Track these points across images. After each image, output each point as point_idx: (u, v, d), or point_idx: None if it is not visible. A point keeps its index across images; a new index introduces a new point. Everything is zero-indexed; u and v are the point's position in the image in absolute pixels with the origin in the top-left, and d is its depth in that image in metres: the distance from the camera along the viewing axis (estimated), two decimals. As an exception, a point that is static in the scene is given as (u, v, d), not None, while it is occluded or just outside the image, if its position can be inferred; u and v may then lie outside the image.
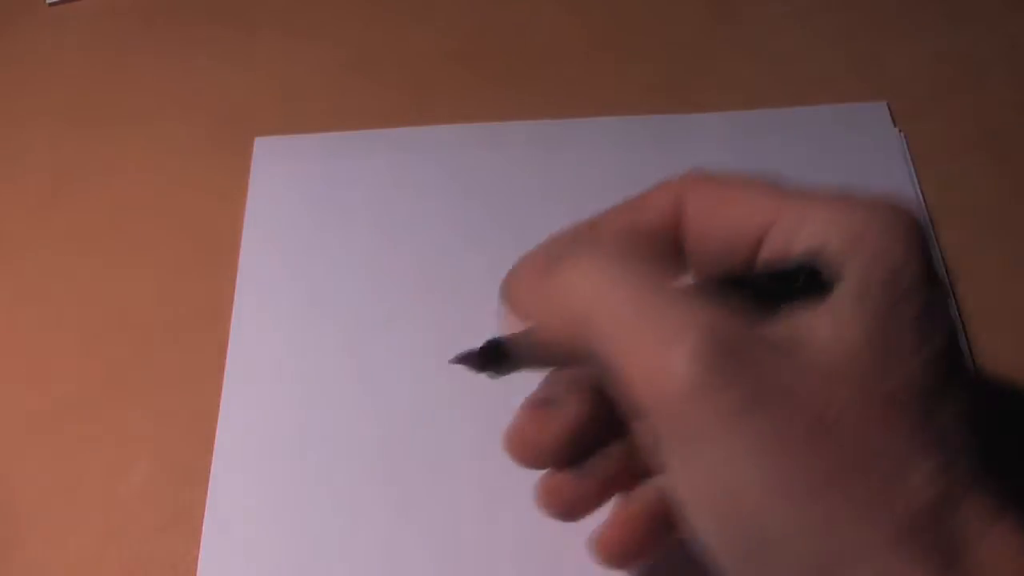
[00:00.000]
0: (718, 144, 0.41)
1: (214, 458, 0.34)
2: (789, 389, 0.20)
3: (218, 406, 0.35)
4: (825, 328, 0.21)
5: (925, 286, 0.22)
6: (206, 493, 0.34)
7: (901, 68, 0.44)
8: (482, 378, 0.36)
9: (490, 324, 0.36)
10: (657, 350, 0.21)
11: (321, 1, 0.48)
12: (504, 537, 0.33)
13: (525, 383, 0.36)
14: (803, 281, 0.22)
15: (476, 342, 0.37)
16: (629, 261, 0.23)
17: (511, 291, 0.27)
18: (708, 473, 0.21)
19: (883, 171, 0.40)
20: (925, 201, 0.39)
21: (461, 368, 0.37)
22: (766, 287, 0.23)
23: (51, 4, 0.48)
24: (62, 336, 0.38)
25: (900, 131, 0.41)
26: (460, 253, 0.39)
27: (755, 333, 0.21)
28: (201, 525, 0.33)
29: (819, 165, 0.40)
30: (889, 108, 0.42)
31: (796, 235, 0.23)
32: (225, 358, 0.36)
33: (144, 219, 0.41)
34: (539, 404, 0.26)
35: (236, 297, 0.38)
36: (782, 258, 0.24)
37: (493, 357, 0.27)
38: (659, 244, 0.26)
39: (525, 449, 0.26)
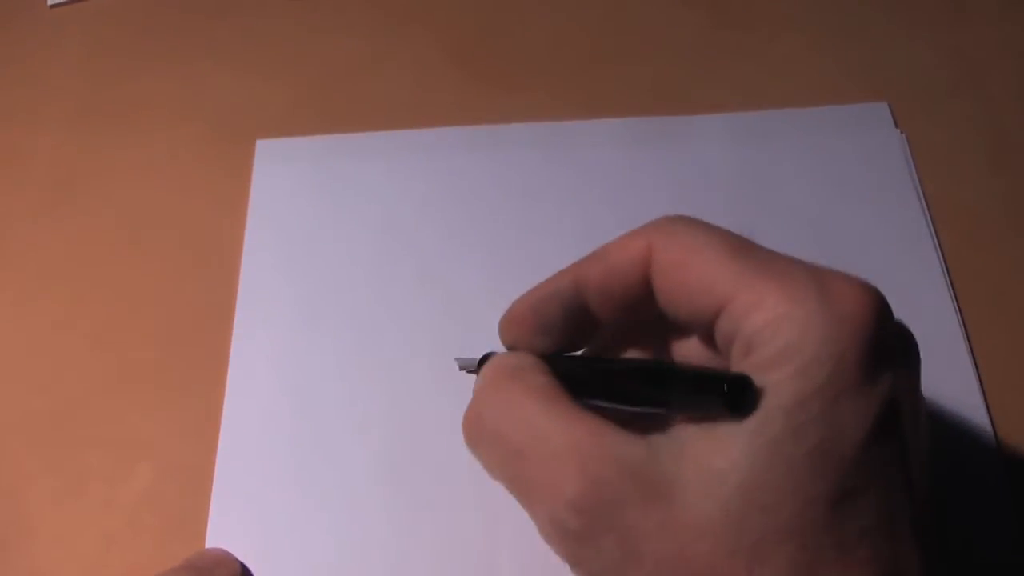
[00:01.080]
0: (719, 145, 0.41)
1: (217, 461, 0.34)
2: (654, 548, 0.21)
3: (221, 409, 0.35)
4: (708, 464, 0.21)
5: (852, 410, 0.21)
6: (209, 496, 0.34)
7: (902, 69, 0.44)
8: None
9: (489, 324, 0.36)
10: (543, 495, 0.23)
11: (322, 3, 0.47)
12: (505, 538, 0.33)
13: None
14: (722, 397, 0.21)
15: (476, 342, 0.38)
16: (527, 386, 0.24)
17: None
18: None
19: (884, 172, 0.40)
20: (926, 201, 0.39)
21: (464, 372, 0.37)
22: (686, 388, 0.23)
23: (52, 6, 0.48)
24: (65, 339, 0.38)
25: (901, 131, 0.41)
26: (461, 255, 0.39)
27: (636, 472, 0.22)
28: (205, 528, 0.33)
29: (820, 166, 0.41)
30: (890, 109, 0.42)
31: (743, 323, 0.23)
32: (228, 361, 0.37)
33: (146, 221, 0.41)
34: None
35: (238, 299, 0.38)
36: (712, 359, 0.25)
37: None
38: (603, 308, 0.26)
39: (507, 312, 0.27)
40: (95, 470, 0.35)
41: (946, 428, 0.34)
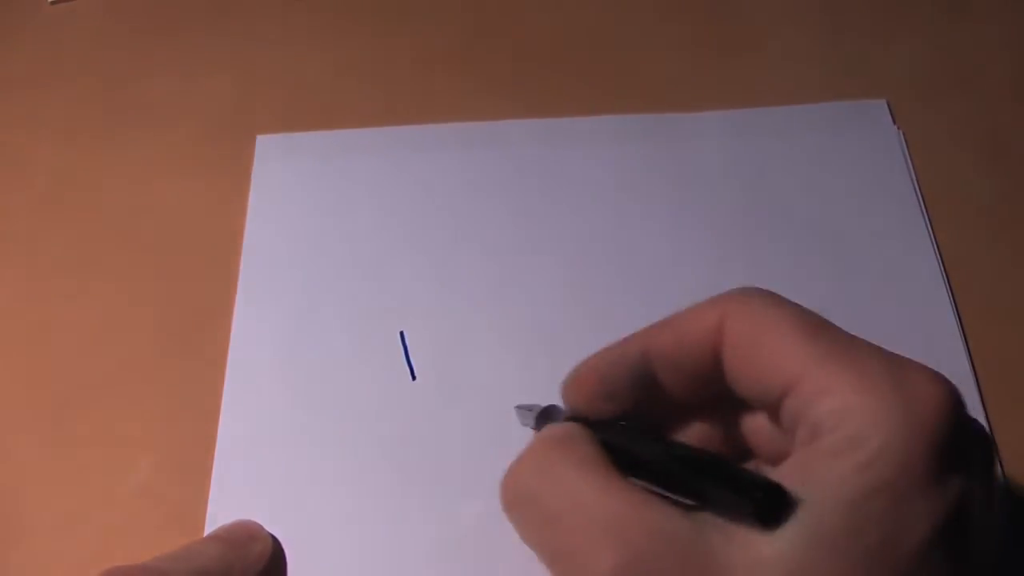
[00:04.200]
0: (717, 142, 0.41)
1: (215, 457, 0.35)
2: None
3: (219, 404, 0.36)
4: (756, 550, 0.20)
5: (916, 511, 0.20)
6: (207, 492, 0.34)
7: (900, 66, 0.44)
8: (483, 378, 0.36)
9: (489, 319, 0.36)
10: (579, 566, 0.22)
11: (322, 0, 0.48)
12: (506, 531, 0.33)
13: (525, 383, 0.36)
14: (757, 504, 0.20)
15: (477, 341, 0.38)
16: (570, 455, 0.24)
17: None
18: None
19: (882, 168, 0.40)
20: (923, 198, 0.40)
21: (463, 367, 0.37)
22: (719, 487, 0.22)
23: (52, 3, 0.48)
24: (65, 335, 0.38)
25: (899, 128, 0.42)
26: (461, 251, 0.39)
27: (679, 548, 0.21)
28: (203, 523, 0.33)
29: (819, 163, 0.41)
30: (888, 105, 0.42)
31: (811, 407, 0.22)
32: (226, 356, 0.37)
33: (146, 217, 0.41)
34: None
35: (238, 294, 0.38)
36: (777, 440, 0.24)
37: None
38: (674, 379, 0.25)
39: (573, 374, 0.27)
40: (94, 464, 0.35)
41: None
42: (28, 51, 0.47)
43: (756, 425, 0.26)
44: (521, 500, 0.24)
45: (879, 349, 0.23)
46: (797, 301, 0.24)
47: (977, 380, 0.35)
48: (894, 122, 0.42)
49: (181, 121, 0.44)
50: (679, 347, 0.25)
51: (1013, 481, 0.33)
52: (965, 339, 0.36)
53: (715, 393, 0.25)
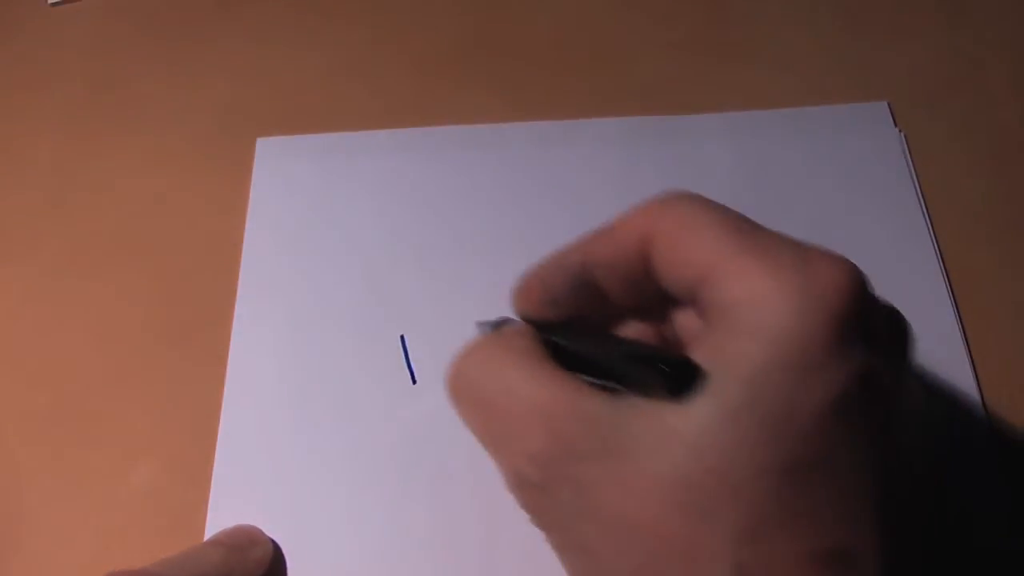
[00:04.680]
0: (719, 145, 0.41)
1: (216, 458, 0.35)
2: (607, 500, 0.22)
3: (220, 406, 0.36)
4: (664, 424, 0.22)
5: (814, 384, 0.21)
6: (208, 495, 0.34)
7: (901, 68, 0.44)
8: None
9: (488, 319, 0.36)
10: (509, 449, 0.24)
11: (322, 2, 0.47)
12: (505, 534, 0.33)
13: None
14: (666, 377, 0.22)
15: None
16: (508, 349, 0.26)
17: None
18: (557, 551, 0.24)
19: (883, 171, 0.40)
20: (925, 200, 0.40)
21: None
22: (633, 369, 0.24)
23: (53, 4, 0.48)
24: (65, 336, 0.38)
25: (900, 131, 0.41)
26: (461, 253, 0.39)
27: (597, 428, 0.23)
28: (203, 525, 0.33)
29: (820, 165, 0.41)
30: (890, 108, 0.42)
31: (722, 294, 0.23)
32: (227, 358, 0.37)
33: (146, 219, 0.41)
34: None
35: (238, 297, 0.38)
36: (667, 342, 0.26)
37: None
38: (603, 278, 0.27)
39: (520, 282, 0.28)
40: (94, 466, 0.35)
41: (942, 422, 0.34)
42: (28, 51, 0.47)
43: (688, 321, 0.27)
44: (462, 389, 0.26)
45: (792, 241, 0.24)
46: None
47: (977, 380, 0.35)
48: (895, 124, 0.42)
49: (181, 123, 0.44)
50: (614, 251, 0.26)
51: (1013, 481, 0.33)
52: (965, 339, 0.36)
53: (653, 293, 0.27)
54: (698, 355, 0.23)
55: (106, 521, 0.34)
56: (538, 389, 0.24)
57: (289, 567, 0.32)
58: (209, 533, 0.33)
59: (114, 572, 0.27)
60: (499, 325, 0.30)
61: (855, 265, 0.23)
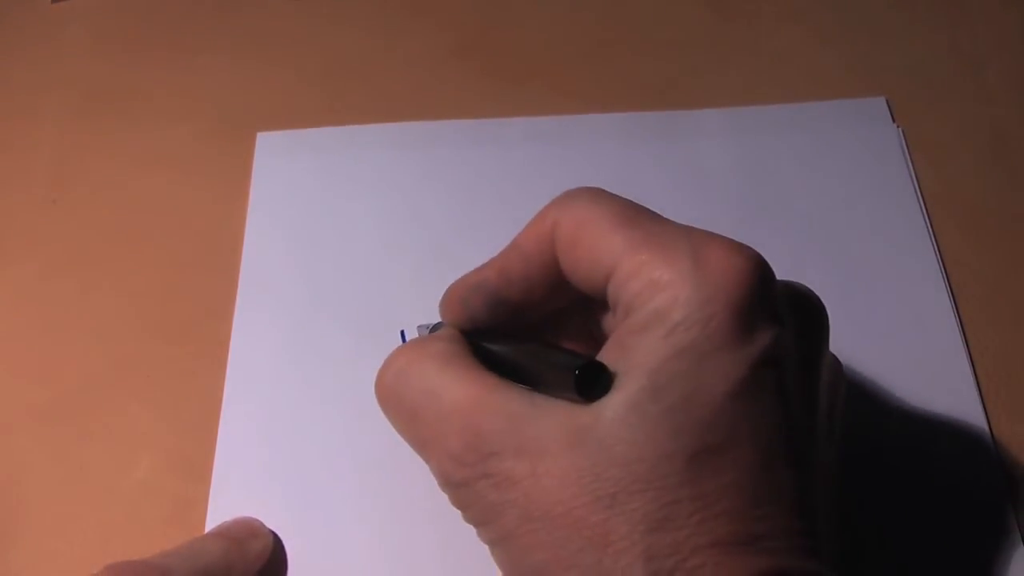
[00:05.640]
0: (718, 140, 0.41)
1: (216, 453, 0.35)
2: (523, 494, 0.23)
3: (220, 401, 0.36)
4: (575, 419, 0.23)
5: (716, 369, 0.22)
6: (209, 488, 0.34)
7: (900, 63, 0.44)
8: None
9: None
10: (434, 451, 0.25)
11: (322, -2, 0.48)
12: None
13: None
14: (576, 379, 0.23)
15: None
16: (428, 353, 0.26)
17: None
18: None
19: (881, 166, 0.40)
20: (923, 196, 0.40)
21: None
22: (547, 373, 0.25)
23: (54, 2, 0.48)
24: (66, 331, 0.38)
25: (898, 126, 0.42)
26: (462, 248, 0.39)
27: (514, 425, 0.23)
28: (204, 519, 0.33)
29: (818, 161, 0.41)
30: (888, 103, 0.42)
31: (623, 289, 0.24)
32: (227, 352, 0.37)
33: (147, 215, 0.41)
34: None
35: (239, 292, 0.38)
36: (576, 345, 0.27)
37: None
38: (513, 289, 0.27)
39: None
40: (95, 461, 0.35)
41: (941, 423, 0.34)
42: (29, 46, 0.47)
43: (607, 319, 0.27)
44: (387, 394, 0.27)
45: (689, 230, 0.24)
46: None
47: (977, 380, 0.35)
48: (893, 120, 0.42)
49: (181, 119, 0.44)
50: (525, 261, 0.27)
51: (1014, 481, 0.33)
52: (965, 339, 0.36)
53: (574, 297, 0.27)
54: (607, 353, 0.24)
55: (107, 514, 0.34)
56: (457, 389, 0.25)
57: (289, 559, 0.32)
58: (210, 526, 0.33)
59: (114, 564, 0.28)
60: (435, 328, 0.30)
61: (752, 250, 0.24)
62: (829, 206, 0.39)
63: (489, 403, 0.24)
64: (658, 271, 0.23)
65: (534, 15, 0.47)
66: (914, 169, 0.40)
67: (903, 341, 0.36)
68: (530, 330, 0.29)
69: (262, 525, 0.32)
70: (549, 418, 0.23)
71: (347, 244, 0.39)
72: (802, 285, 0.26)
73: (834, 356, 0.27)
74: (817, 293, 0.27)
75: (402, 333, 0.37)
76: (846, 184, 0.40)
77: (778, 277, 0.25)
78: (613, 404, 0.22)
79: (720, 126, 0.42)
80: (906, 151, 0.41)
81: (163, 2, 0.48)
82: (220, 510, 0.33)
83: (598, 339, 0.28)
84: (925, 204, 0.39)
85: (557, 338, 0.29)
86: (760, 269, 0.23)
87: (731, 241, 0.24)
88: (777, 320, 0.23)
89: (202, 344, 0.37)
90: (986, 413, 0.35)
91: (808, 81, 0.43)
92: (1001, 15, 0.45)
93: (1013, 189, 0.40)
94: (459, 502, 0.25)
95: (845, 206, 0.39)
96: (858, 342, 0.35)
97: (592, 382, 0.23)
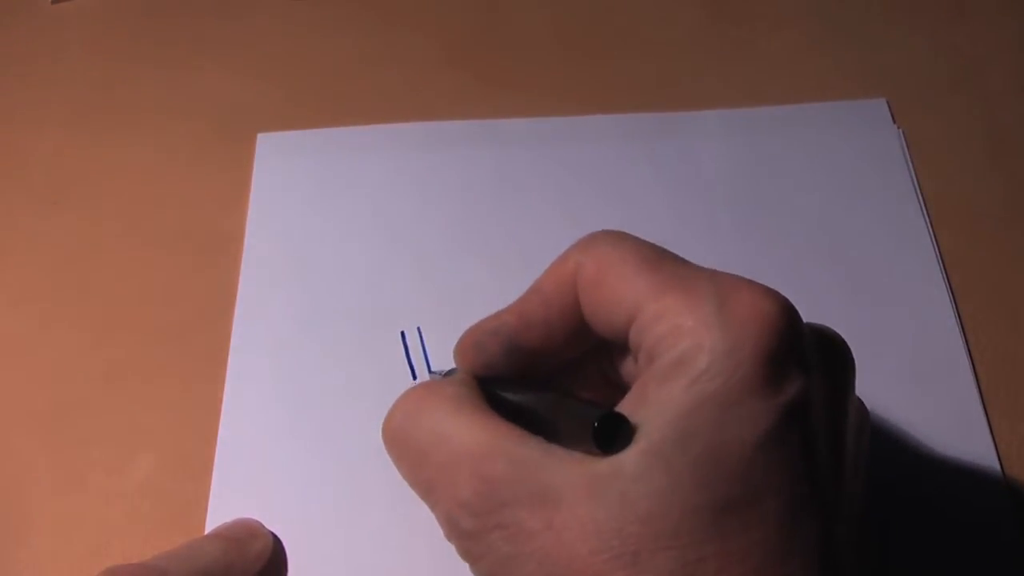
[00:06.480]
0: (717, 142, 0.41)
1: (217, 453, 0.35)
2: (539, 547, 0.21)
3: (221, 401, 0.36)
4: (595, 470, 0.21)
5: (743, 418, 0.21)
6: (208, 489, 0.34)
7: (900, 64, 0.44)
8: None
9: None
10: (441, 497, 0.24)
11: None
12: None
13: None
14: (595, 431, 0.22)
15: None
16: (440, 397, 0.25)
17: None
18: None
19: (882, 168, 0.40)
20: (923, 197, 0.40)
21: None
22: (566, 424, 0.24)
23: (54, 2, 0.49)
24: (67, 333, 0.38)
25: (899, 128, 0.42)
26: (460, 249, 0.39)
27: (528, 474, 0.22)
28: (204, 519, 0.33)
29: (818, 162, 0.41)
30: (888, 105, 0.42)
31: (647, 335, 0.23)
32: (227, 353, 0.37)
33: (147, 215, 0.41)
34: None
35: (239, 292, 0.38)
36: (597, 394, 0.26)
37: None
38: (529, 335, 0.27)
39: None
40: (95, 461, 0.35)
41: (942, 425, 0.34)
42: (29, 49, 0.47)
43: (628, 365, 0.27)
44: (394, 438, 0.26)
45: (714, 273, 0.24)
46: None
47: (977, 380, 0.35)
48: (894, 121, 0.42)
49: (181, 119, 0.44)
50: (545, 305, 0.26)
51: (1013, 481, 0.33)
52: (965, 339, 0.36)
53: (594, 342, 0.27)
54: (627, 404, 0.23)
55: (107, 516, 0.34)
56: (468, 435, 0.24)
57: (289, 560, 0.32)
58: (210, 526, 0.33)
59: (113, 567, 0.27)
60: (449, 375, 0.29)
61: (780, 295, 0.23)
62: (829, 207, 0.39)
63: (502, 450, 0.23)
64: (682, 316, 0.22)
65: (529, 16, 0.47)
66: (914, 170, 0.40)
67: (903, 341, 0.36)
68: (546, 377, 0.28)
69: (262, 526, 0.32)
70: (566, 467, 0.22)
71: (346, 244, 0.39)
72: (827, 327, 0.25)
73: (859, 398, 0.26)
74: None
75: (402, 334, 0.37)
76: (846, 185, 0.40)
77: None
78: (634, 456, 0.21)
79: (719, 127, 0.42)
80: (906, 152, 0.41)
81: (163, 3, 0.48)
82: (220, 510, 0.33)
83: (616, 385, 0.27)
84: (925, 204, 0.39)
85: (573, 385, 0.28)
86: (788, 315, 0.23)
87: (758, 285, 0.23)
88: (805, 367, 0.22)
89: (202, 344, 0.37)
90: (986, 413, 0.35)
91: (808, 82, 0.43)
92: (1000, 17, 0.45)
93: (1013, 189, 0.40)
94: (469, 554, 0.24)
95: (845, 207, 0.39)
96: (857, 343, 0.35)
97: (612, 434, 0.22)
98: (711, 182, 0.40)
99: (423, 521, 0.33)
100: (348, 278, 0.38)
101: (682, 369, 0.22)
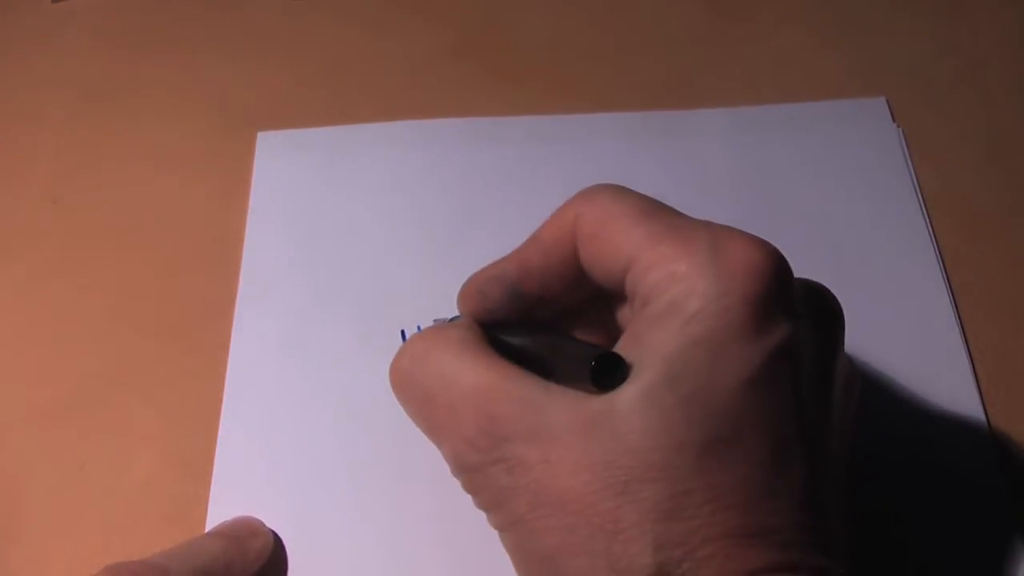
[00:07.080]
0: (718, 140, 0.41)
1: (217, 451, 0.35)
2: (535, 479, 0.23)
3: (221, 399, 0.36)
4: (588, 406, 0.23)
5: (731, 360, 0.22)
6: (208, 488, 0.34)
7: (900, 63, 0.44)
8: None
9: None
10: (448, 435, 0.25)
11: (322, -3, 0.48)
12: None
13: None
14: (591, 370, 0.23)
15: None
16: (445, 341, 0.26)
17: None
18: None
19: (882, 166, 0.40)
20: (923, 196, 0.40)
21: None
22: (563, 364, 0.25)
23: (54, 1, 0.48)
24: (66, 330, 0.38)
25: (898, 126, 0.42)
26: (462, 246, 0.39)
27: (528, 411, 0.23)
28: (204, 518, 0.33)
29: (818, 160, 0.41)
30: (888, 103, 0.42)
31: (642, 281, 0.24)
32: (228, 351, 0.37)
33: (148, 214, 0.41)
34: None
35: (239, 289, 0.38)
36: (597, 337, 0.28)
37: None
38: (535, 280, 0.28)
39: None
40: (95, 461, 0.35)
41: (941, 422, 0.34)
42: (29, 44, 0.47)
43: (627, 313, 0.28)
44: (401, 381, 0.27)
45: (709, 224, 0.25)
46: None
47: (977, 380, 0.35)
48: (894, 120, 0.42)
49: (182, 118, 0.44)
50: (545, 254, 0.27)
51: (1013, 481, 0.33)
52: (965, 339, 0.36)
53: (592, 291, 0.27)
54: (623, 345, 0.24)
55: (107, 514, 0.34)
56: (472, 375, 0.25)
57: (289, 559, 0.32)
58: (210, 526, 0.33)
59: (113, 565, 0.27)
60: (452, 321, 0.30)
61: (771, 245, 0.24)
62: (829, 206, 0.39)
63: (504, 389, 0.24)
64: (676, 263, 0.23)
65: (534, 14, 0.47)
66: (914, 169, 0.40)
67: (903, 340, 0.36)
68: (546, 323, 0.29)
69: (262, 524, 0.32)
70: (563, 406, 0.23)
71: (347, 243, 0.39)
72: (819, 284, 0.27)
73: (850, 358, 0.27)
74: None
75: (402, 333, 0.37)
76: (846, 184, 0.40)
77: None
78: (628, 394, 0.22)
79: (720, 126, 0.42)
80: (906, 151, 0.41)
81: (163, 2, 0.48)
82: (220, 510, 0.33)
83: (613, 333, 0.28)
84: (925, 204, 0.39)
85: (573, 331, 0.29)
86: (778, 263, 0.24)
87: (750, 236, 0.24)
88: (793, 315, 0.23)
89: (202, 344, 0.37)
90: (986, 413, 0.35)
91: (808, 81, 0.43)
92: (1001, 15, 0.46)
93: (1013, 189, 0.40)
94: (471, 487, 0.25)
95: (845, 206, 0.39)
96: (858, 342, 0.35)
97: (608, 373, 0.23)
98: (712, 180, 0.40)
99: (423, 520, 0.33)
100: (348, 277, 0.38)
101: (674, 312, 0.23)
